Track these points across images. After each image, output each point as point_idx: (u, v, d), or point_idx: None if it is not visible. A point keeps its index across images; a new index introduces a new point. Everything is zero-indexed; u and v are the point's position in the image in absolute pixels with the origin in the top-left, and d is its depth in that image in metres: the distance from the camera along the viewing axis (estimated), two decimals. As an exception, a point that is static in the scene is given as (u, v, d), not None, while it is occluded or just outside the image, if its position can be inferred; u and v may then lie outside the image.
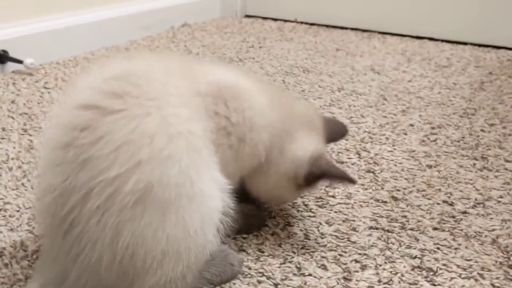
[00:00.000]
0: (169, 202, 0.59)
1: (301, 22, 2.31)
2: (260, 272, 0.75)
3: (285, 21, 2.34)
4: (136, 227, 0.58)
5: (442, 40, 2.01)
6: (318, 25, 2.26)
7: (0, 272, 0.73)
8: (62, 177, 0.59)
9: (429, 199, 0.95)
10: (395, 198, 0.95)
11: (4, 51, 1.60)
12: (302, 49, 1.90)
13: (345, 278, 0.74)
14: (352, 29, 2.17)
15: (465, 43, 1.98)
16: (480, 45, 1.95)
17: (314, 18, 2.29)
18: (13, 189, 0.94)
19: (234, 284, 0.72)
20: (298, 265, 0.76)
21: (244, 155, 0.74)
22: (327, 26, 2.24)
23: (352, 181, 0.76)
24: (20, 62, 1.57)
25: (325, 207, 0.91)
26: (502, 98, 1.44)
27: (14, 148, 1.10)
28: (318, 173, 0.77)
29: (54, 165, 0.60)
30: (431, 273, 0.75)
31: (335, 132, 0.90)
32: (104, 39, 1.90)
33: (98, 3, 1.93)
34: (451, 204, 0.93)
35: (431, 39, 2.04)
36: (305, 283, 0.73)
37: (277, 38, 2.05)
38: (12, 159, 1.05)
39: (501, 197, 0.96)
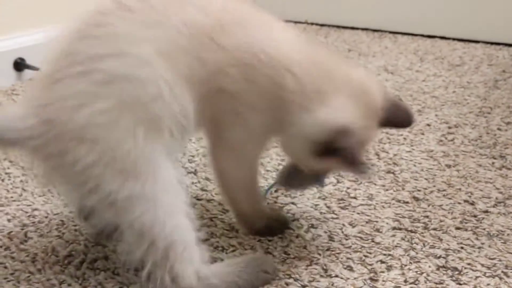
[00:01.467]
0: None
1: (311, 23, 2.32)
2: (287, 274, 0.76)
3: (295, 22, 2.35)
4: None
5: (454, 39, 2.01)
6: (329, 25, 2.27)
7: (34, 277, 0.75)
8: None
9: (450, 198, 0.96)
10: (416, 199, 0.95)
11: (21, 59, 1.62)
12: (314, 51, 1.90)
13: (371, 279, 0.75)
14: (363, 29, 2.18)
15: (476, 41, 1.98)
16: (492, 43, 1.95)
17: (324, 19, 2.29)
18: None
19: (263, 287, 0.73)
20: (324, 267, 0.77)
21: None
22: (337, 26, 2.25)
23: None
24: (37, 69, 1.59)
25: (347, 208, 0.93)
26: (517, 95, 1.44)
27: (38, 155, 1.12)
28: (335, 147, 0.70)
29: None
30: (456, 272, 0.76)
31: (396, 117, 0.79)
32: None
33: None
34: (472, 204, 0.94)
35: (442, 37, 2.04)
36: (332, 284, 0.74)
37: (288, 40, 2.06)
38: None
39: (521, 195, 0.96)
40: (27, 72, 1.63)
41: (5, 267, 0.77)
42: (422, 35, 2.08)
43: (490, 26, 1.97)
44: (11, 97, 1.46)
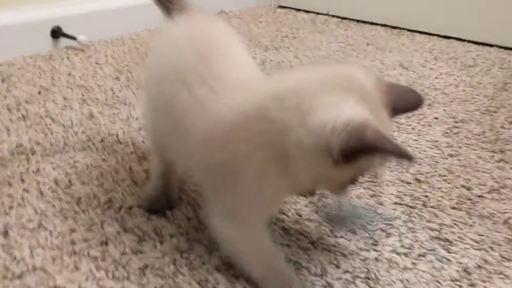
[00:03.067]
0: None
1: (333, 16, 2.41)
2: (299, 232, 0.86)
3: (317, 13, 2.44)
4: None
5: (469, 41, 2.09)
6: (349, 19, 2.35)
7: (79, 216, 0.86)
8: None
9: (449, 183, 1.05)
10: (418, 180, 1.05)
11: (58, 27, 1.73)
12: (334, 42, 1.99)
13: (372, 243, 0.85)
14: (382, 25, 2.26)
15: (491, 45, 2.05)
16: (505, 48, 2.03)
17: (346, 12, 2.37)
18: (80, 150, 1.07)
19: (276, 239, 0.84)
20: (331, 228, 0.88)
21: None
22: (357, 21, 2.33)
23: (409, 158, 0.61)
24: (73, 38, 1.70)
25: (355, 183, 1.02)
26: (523, 98, 1.52)
27: (76, 115, 1.23)
28: (360, 146, 0.60)
29: None
30: (448, 243, 0.86)
31: (405, 101, 0.71)
32: (147, 22, 2.02)
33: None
34: (469, 189, 1.03)
35: (458, 39, 2.12)
36: (337, 243, 0.84)
37: (309, 30, 2.15)
38: (76, 125, 1.18)
39: (515, 186, 1.06)
40: (62, 40, 1.74)
41: (53, 206, 0.88)
42: (439, 35, 2.16)
43: (505, 31, 2.04)
44: (49, 61, 1.57)
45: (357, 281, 0.77)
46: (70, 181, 0.95)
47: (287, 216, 0.91)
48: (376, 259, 0.82)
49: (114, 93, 1.37)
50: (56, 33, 1.72)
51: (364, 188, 1.01)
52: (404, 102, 0.71)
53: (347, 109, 0.63)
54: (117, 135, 1.14)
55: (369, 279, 0.77)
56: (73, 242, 0.80)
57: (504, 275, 0.80)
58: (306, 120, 0.63)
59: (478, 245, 0.86)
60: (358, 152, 0.61)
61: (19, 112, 1.22)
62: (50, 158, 1.03)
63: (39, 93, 1.33)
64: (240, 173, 0.67)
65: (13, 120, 1.18)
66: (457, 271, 0.80)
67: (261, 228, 0.73)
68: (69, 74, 1.48)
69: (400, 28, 2.22)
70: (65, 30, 1.73)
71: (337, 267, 0.79)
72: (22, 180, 0.95)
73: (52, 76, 1.45)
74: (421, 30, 2.19)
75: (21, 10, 1.65)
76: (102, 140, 1.11)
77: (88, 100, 1.31)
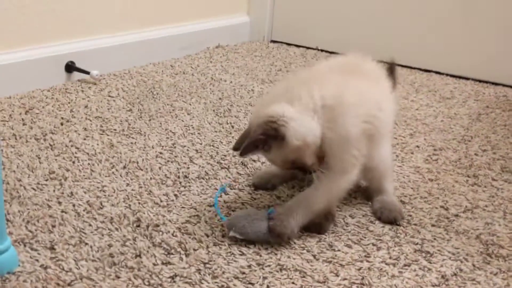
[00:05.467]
0: None
1: (322, 50, 2.60)
2: (301, 247, 1.01)
3: (307, 48, 2.63)
4: None
5: (447, 74, 2.29)
6: (337, 53, 2.53)
7: (113, 233, 0.99)
8: None
9: (429, 204, 1.21)
10: (403, 202, 1.21)
11: (72, 62, 1.87)
12: (324, 75, 2.17)
13: (365, 255, 1.00)
14: (363, 55, 2.44)
15: (467, 78, 2.25)
16: (480, 81, 2.23)
17: (334, 46, 2.56)
18: (106, 176, 1.20)
19: (283, 253, 0.98)
20: (330, 243, 1.02)
21: None
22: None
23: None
24: (87, 73, 1.84)
25: (348, 204, 1.18)
26: (495, 128, 1.70)
27: (98, 144, 1.36)
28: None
29: None
30: (429, 254, 1.01)
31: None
32: (151, 56, 2.19)
33: (145, 25, 2.20)
34: (446, 209, 1.19)
35: (437, 72, 2.32)
36: (335, 256, 0.99)
37: (301, 64, 2.33)
38: (99, 153, 1.32)
39: (486, 206, 1.21)
40: (75, 74, 1.88)
41: (90, 225, 1.01)
42: (420, 69, 2.36)
43: (480, 65, 2.24)
44: (66, 94, 1.71)
45: (354, 287, 0.91)
46: (101, 203, 1.09)
47: (292, 232, 1.05)
48: (369, 269, 0.96)
49: (129, 124, 1.51)
50: (70, 67, 1.86)
51: (357, 209, 1.16)
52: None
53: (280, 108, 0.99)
54: (137, 162, 1.28)
55: (363, 285, 0.92)
56: (111, 255, 0.93)
57: (476, 281, 0.95)
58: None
59: (454, 256, 1.02)
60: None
61: (46, 141, 1.35)
62: (80, 183, 1.16)
63: (62, 124, 1.47)
64: None
65: (42, 149, 1.31)
66: (437, 278, 0.95)
67: None
68: (86, 106, 1.62)
69: (384, 62, 2.40)
70: (78, 64, 1.87)
71: (337, 275, 0.94)
72: (59, 203, 1.08)
73: (71, 108, 1.59)
74: (404, 64, 2.39)
75: (38, 47, 1.80)
76: (124, 167, 1.25)
77: (107, 131, 1.45)
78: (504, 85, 2.18)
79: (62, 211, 1.05)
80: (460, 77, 2.26)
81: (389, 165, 1.19)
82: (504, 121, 1.76)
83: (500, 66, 2.20)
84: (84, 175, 1.20)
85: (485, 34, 2.21)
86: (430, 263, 0.99)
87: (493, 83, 2.20)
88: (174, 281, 0.88)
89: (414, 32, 2.35)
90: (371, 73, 1.12)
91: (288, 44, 2.68)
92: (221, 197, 1.15)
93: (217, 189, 1.18)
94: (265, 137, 0.97)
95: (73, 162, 1.26)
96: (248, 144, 0.97)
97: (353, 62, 1.14)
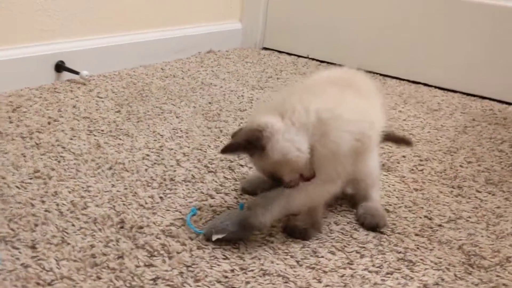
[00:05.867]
0: None
1: (312, 59, 2.61)
2: (285, 252, 1.01)
3: (298, 56, 2.64)
4: None
5: (435, 87, 2.31)
6: (327, 62, 2.56)
7: (96, 234, 0.99)
8: None
9: (414, 213, 1.22)
10: (387, 210, 1.21)
11: (62, 62, 1.86)
12: (314, 83, 2.18)
13: (348, 262, 1.00)
14: (357, 69, 2.46)
15: (455, 91, 2.28)
16: (468, 94, 2.26)
17: (324, 56, 2.58)
18: (91, 176, 1.20)
19: (267, 258, 0.98)
20: (314, 250, 1.02)
21: None
22: (334, 64, 2.53)
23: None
24: (76, 73, 1.83)
25: (333, 212, 1.18)
26: (480, 141, 1.72)
27: (85, 145, 1.36)
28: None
29: None
30: (411, 263, 1.02)
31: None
32: (142, 58, 2.18)
33: (137, 28, 2.20)
34: (430, 219, 1.20)
35: (425, 84, 2.34)
36: (319, 262, 0.99)
37: (291, 71, 2.34)
38: (85, 153, 1.31)
39: (469, 217, 1.23)
40: (65, 74, 1.87)
41: (73, 225, 1.01)
42: (408, 80, 2.38)
43: (467, 79, 2.27)
44: (54, 94, 1.70)
45: (336, 293, 0.91)
46: (85, 204, 1.08)
47: (276, 238, 1.05)
48: (352, 276, 0.96)
49: (117, 125, 1.50)
50: (60, 67, 1.85)
51: (341, 216, 1.17)
52: None
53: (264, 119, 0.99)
54: (124, 164, 1.27)
55: (345, 292, 0.92)
56: (93, 256, 0.92)
57: (457, 291, 0.96)
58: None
59: (436, 266, 1.02)
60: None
61: (32, 140, 1.34)
62: (65, 183, 1.15)
63: (49, 123, 1.46)
64: None
65: (28, 147, 1.30)
66: (419, 287, 0.96)
67: None
68: (74, 106, 1.61)
69: (373, 73, 2.43)
70: (68, 64, 1.86)
71: (319, 281, 0.94)
72: (43, 202, 1.07)
73: (59, 108, 1.58)
74: (392, 75, 2.41)
75: (28, 45, 1.78)
76: (110, 168, 1.25)
77: (94, 131, 1.44)
78: (490, 99, 2.21)
79: (46, 210, 1.04)
80: (448, 90, 2.29)
81: (376, 175, 1.20)
82: (490, 134, 1.79)
83: (487, 80, 2.23)
84: (69, 175, 1.19)
85: (473, 49, 2.24)
86: (413, 272, 1.00)
87: (480, 97, 2.23)
88: (156, 284, 0.87)
89: (404, 44, 2.38)
90: (364, 87, 1.14)
91: (280, 52, 2.69)
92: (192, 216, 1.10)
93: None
94: (246, 143, 0.97)
95: (59, 162, 1.25)
96: (230, 145, 0.99)
97: (348, 75, 1.17)
